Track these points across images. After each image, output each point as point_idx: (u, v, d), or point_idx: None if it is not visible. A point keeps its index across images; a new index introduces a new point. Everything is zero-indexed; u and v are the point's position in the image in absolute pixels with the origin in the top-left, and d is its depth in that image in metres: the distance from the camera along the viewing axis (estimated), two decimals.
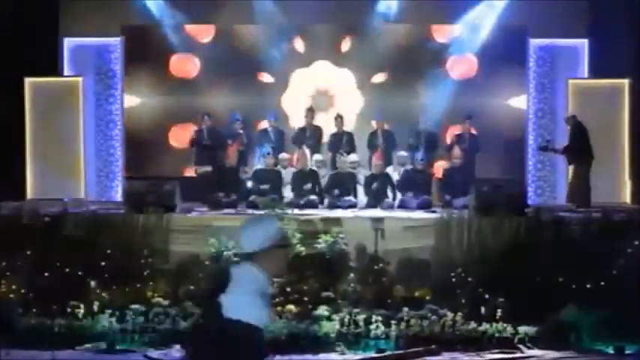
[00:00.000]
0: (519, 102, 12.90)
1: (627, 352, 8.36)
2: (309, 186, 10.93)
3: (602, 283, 8.73)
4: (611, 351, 8.40)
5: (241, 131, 12.00)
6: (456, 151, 11.34)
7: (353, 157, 11.49)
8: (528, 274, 8.77)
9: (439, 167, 12.00)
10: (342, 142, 11.75)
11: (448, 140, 12.08)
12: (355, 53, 12.99)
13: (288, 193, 11.03)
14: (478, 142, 11.90)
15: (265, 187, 10.80)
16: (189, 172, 12.39)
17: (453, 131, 12.19)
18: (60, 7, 12.78)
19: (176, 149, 13.01)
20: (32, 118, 12.54)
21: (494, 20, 12.68)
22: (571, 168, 11.42)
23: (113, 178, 12.97)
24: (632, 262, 8.81)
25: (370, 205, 10.77)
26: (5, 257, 9.04)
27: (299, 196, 10.80)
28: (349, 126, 12.26)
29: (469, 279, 8.94)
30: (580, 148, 11.08)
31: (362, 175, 11.45)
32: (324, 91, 12.91)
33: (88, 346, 8.46)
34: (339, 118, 11.98)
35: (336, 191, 10.91)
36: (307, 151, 11.50)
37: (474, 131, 11.95)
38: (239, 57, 12.93)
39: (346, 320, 8.55)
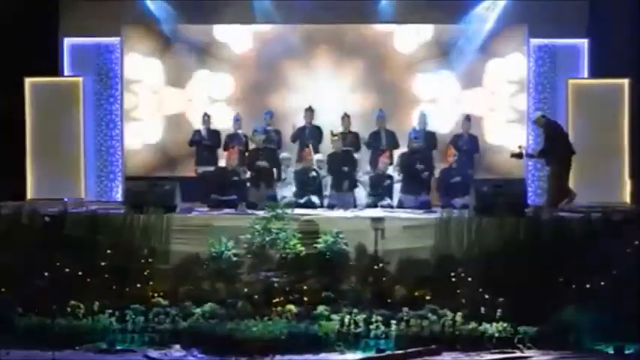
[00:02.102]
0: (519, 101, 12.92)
1: (627, 352, 8.37)
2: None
3: (602, 283, 8.73)
4: (611, 351, 8.40)
5: (240, 131, 12.02)
6: (452, 150, 11.33)
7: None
8: (528, 274, 8.78)
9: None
10: (347, 141, 11.73)
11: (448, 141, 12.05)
12: (355, 53, 13.00)
13: (288, 193, 11.04)
14: (477, 143, 11.92)
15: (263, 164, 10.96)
16: (190, 172, 12.38)
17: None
18: (60, 7, 12.77)
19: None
20: (32, 118, 12.53)
21: (494, 20, 12.72)
22: (549, 168, 11.05)
23: (113, 178, 12.98)
24: (632, 262, 8.81)
25: (370, 205, 10.76)
26: (5, 257, 9.04)
27: (299, 195, 10.80)
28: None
29: (469, 279, 8.95)
30: (558, 148, 10.75)
31: (362, 173, 11.44)
32: (324, 91, 12.88)
33: (88, 346, 8.47)
34: (346, 118, 11.96)
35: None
36: (312, 150, 11.50)
37: (472, 132, 11.98)
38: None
39: (346, 320, 8.56)
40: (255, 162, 11.10)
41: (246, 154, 11.71)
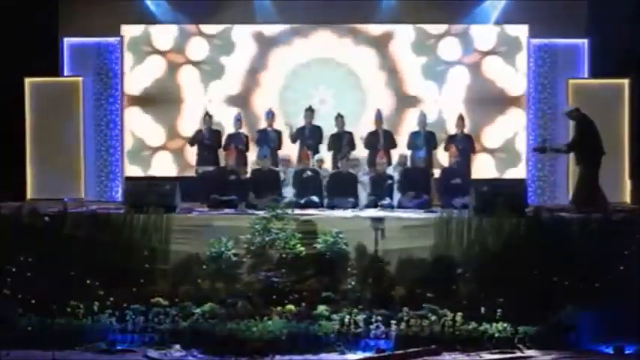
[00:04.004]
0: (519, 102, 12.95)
1: (627, 352, 8.38)
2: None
3: (602, 283, 8.73)
4: (611, 351, 8.41)
5: (241, 131, 12.03)
6: (454, 150, 11.33)
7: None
8: (528, 274, 8.78)
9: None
10: (343, 142, 11.74)
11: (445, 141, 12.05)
12: (354, 53, 13.02)
13: (288, 193, 11.03)
14: (472, 143, 11.91)
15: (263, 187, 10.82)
16: (190, 172, 12.39)
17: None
18: (60, 7, 12.78)
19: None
20: (32, 118, 12.55)
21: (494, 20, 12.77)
22: (578, 167, 10.69)
23: (113, 178, 12.98)
24: (632, 262, 8.82)
25: (370, 205, 10.74)
26: (5, 257, 9.04)
27: (299, 195, 10.79)
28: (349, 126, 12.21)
29: (469, 279, 8.95)
30: (588, 144, 10.42)
31: (362, 174, 11.44)
32: (323, 90, 12.89)
33: (88, 346, 8.47)
34: (339, 118, 11.97)
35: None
36: (310, 151, 11.51)
37: (467, 132, 11.96)
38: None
39: (346, 320, 8.56)
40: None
41: (247, 153, 11.79)
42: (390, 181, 11.04)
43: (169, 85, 13.09)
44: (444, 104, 12.93)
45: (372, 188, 10.97)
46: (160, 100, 13.08)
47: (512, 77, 12.95)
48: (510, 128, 12.96)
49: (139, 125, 13.12)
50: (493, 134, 12.96)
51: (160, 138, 13.15)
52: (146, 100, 13.08)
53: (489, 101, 12.92)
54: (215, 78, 13.11)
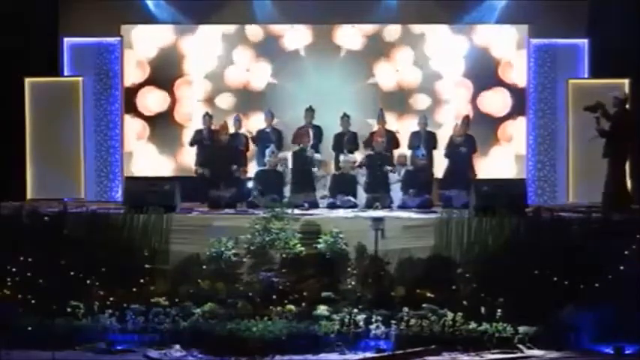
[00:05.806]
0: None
1: (627, 352, 8.38)
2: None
3: (602, 283, 8.73)
4: (611, 351, 8.41)
5: (241, 131, 12.03)
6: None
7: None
8: (528, 274, 8.78)
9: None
10: (349, 142, 11.74)
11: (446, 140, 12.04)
12: (354, 52, 13.04)
13: (288, 193, 11.03)
14: (474, 143, 11.90)
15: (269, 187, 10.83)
16: (190, 172, 12.39)
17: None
18: (60, 7, 12.79)
19: None
20: (32, 118, 12.54)
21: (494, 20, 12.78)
22: (607, 163, 10.43)
23: (113, 178, 12.98)
24: (632, 262, 8.82)
25: (369, 204, 10.75)
26: (5, 257, 9.04)
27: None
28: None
29: (469, 279, 8.95)
30: (620, 139, 10.31)
31: (362, 175, 11.45)
32: (323, 90, 12.89)
33: (88, 346, 8.48)
34: (345, 118, 11.96)
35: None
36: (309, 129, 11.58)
37: (469, 132, 11.95)
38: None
39: (346, 320, 8.56)
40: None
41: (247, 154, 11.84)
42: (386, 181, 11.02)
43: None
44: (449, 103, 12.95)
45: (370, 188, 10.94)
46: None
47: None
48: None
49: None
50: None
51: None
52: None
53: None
54: (212, 76, 13.12)
